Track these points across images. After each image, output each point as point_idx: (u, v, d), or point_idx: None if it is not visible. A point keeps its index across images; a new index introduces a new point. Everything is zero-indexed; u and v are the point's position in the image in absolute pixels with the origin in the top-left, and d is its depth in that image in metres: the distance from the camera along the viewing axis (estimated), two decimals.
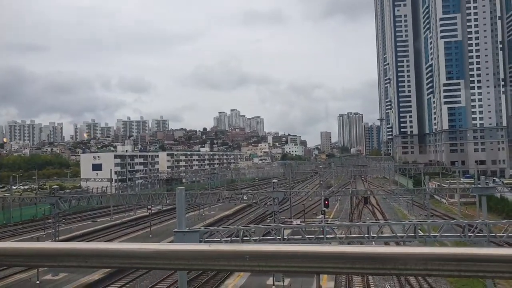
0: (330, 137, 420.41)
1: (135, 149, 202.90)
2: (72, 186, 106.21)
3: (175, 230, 19.39)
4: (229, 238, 19.58)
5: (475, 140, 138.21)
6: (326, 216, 57.87)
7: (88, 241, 45.08)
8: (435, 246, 1.25)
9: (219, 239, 19.67)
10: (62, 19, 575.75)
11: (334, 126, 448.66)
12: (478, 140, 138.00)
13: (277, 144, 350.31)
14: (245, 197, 46.11)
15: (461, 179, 78.45)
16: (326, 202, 47.70)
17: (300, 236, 19.89)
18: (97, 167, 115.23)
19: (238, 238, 19.40)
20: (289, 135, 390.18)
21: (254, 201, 44.35)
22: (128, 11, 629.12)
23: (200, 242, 19.59)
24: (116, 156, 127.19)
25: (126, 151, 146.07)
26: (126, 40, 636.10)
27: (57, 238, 37.85)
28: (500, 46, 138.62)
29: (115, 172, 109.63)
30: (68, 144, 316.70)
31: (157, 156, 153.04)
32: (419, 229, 23.44)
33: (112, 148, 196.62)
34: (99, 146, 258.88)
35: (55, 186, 44.55)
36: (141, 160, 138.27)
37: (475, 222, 21.51)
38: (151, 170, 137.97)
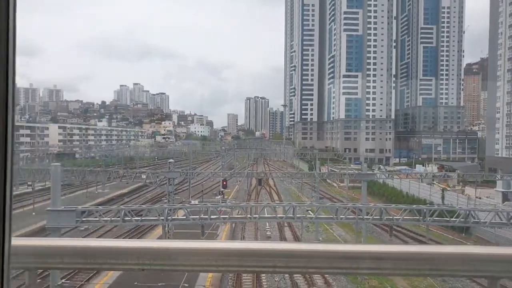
0: (237, 120, 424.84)
1: (22, 119, 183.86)
2: None
3: (48, 209, 17.26)
4: (109, 219, 17.99)
5: (367, 130, 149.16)
6: (226, 197, 57.87)
7: None
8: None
9: (97, 219, 17.89)
10: None
11: (241, 109, 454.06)
12: (370, 130, 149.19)
13: (182, 123, 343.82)
14: (143, 176, 43.75)
15: (351, 165, 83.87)
16: (224, 183, 47.57)
17: (184, 217, 19.23)
18: None
19: (119, 219, 17.92)
20: (195, 114, 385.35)
21: (149, 181, 42.10)
22: None
23: (77, 222, 17.71)
24: None
25: None
26: None
27: None
28: (394, 44, 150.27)
29: None
30: None
31: (47, 128, 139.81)
32: (309, 210, 24.10)
33: None
34: None
35: None
36: (28, 131, 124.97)
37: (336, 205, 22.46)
38: (40, 143, 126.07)
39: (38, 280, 1.30)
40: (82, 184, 58.01)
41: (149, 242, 1.28)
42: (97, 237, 37.94)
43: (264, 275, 23.50)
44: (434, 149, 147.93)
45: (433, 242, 36.79)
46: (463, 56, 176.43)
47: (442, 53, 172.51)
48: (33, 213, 42.98)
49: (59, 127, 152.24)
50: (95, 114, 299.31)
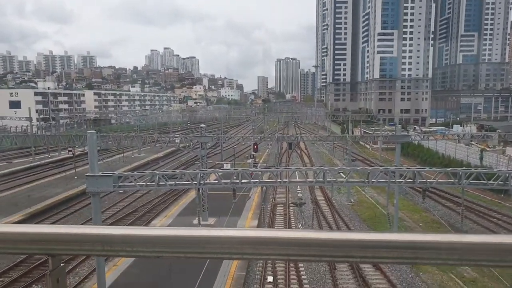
0: (267, 82, 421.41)
1: (59, 86, 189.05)
2: None
3: (87, 174, 18.01)
4: (144, 183, 18.61)
5: (402, 90, 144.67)
6: (257, 160, 58.43)
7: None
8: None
9: (133, 184, 18.54)
10: None
11: (272, 71, 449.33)
12: (405, 90, 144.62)
13: (212, 87, 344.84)
14: (177, 140, 44.50)
15: (385, 126, 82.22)
16: (255, 147, 47.76)
17: (216, 181, 19.60)
18: (15, 105, 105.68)
19: (154, 183, 18.53)
20: (225, 78, 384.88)
21: (182, 145, 42.82)
22: None
23: (114, 186, 18.42)
24: (36, 93, 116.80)
25: (48, 88, 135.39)
26: None
27: None
28: None
29: (36, 111, 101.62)
30: None
31: (83, 95, 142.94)
32: (341, 173, 24.00)
33: (33, 85, 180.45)
34: (17, 82, 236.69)
35: None
36: (66, 98, 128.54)
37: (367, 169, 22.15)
38: (77, 110, 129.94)
39: (61, 265, 1.38)
40: (119, 149, 59.90)
41: (165, 230, 1.29)
42: (136, 199, 39.51)
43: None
44: (474, 108, 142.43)
45: (468, 203, 36.07)
46: (511, 9, 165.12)
47: (487, 6, 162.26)
48: (75, 177, 45.01)
49: (95, 93, 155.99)
50: (128, 80, 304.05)
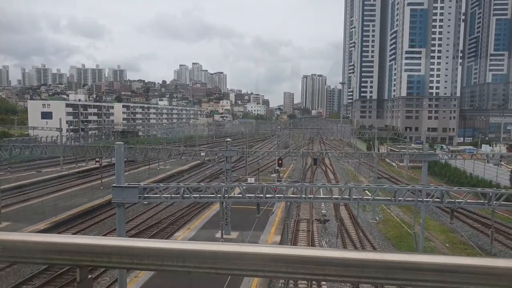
0: (293, 98, 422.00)
1: (90, 98, 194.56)
2: (19, 134, 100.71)
3: (113, 185, 18.37)
4: (169, 195, 18.88)
5: (430, 108, 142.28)
6: (281, 175, 58.31)
7: (21, 195, 42.93)
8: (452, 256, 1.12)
9: (158, 196, 18.83)
10: None
11: (298, 87, 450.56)
12: (433, 108, 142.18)
13: (239, 102, 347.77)
14: (202, 154, 44.94)
15: (412, 144, 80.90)
16: (280, 161, 47.84)
17: (241, 195, 19.66)
18: (46, 115, 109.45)
19: (178, 195, 18.75)
20: (252, 93, 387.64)
21: (207, 158, 43.24)
22: None
23: (139, 198, 18.70)
24: (68, 105, 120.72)
25: (79, 100, 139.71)
26: None
27: None
28: (463, 17, 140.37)
29: (67, 122, 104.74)
30: (15, 89, 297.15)
31: (112, 107, 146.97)
32: (366, 190, 23.69)
33: (64, 96, 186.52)
34: (50, 93, 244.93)
35: None
36: (95, 110, 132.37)
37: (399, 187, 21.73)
38: (106, 122, 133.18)
39: (89, 276, 1.36)
40: (145, 161, 60.92)
41: (197, 245, 1.27)
42: (159, 211, 39.95)
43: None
44: (504, 128, 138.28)
45: (497, 224, 34.89)
46: None
47: None
48: (101, 187, 45.97)
49: (123, 106, 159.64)
50: (156, 93, 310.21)
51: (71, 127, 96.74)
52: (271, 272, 1.21)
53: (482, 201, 21.51)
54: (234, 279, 20.36)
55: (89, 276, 1.37)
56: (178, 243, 1.28)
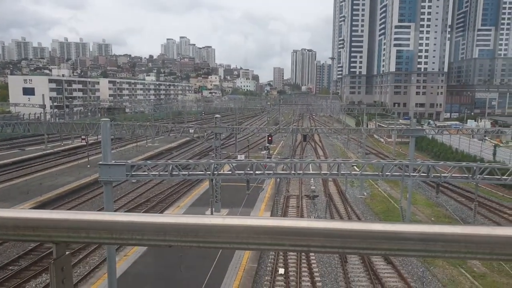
0: (283, 73, 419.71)
1: (74, 74, 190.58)
2: (0, 111, 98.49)
3: (100, 163, 18.14)
4: (157, 173, 18.78)
5: (418, 83, 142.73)
6: (271, 152, 58.46)
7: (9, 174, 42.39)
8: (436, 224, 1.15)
9: (146, 173, 18.71)
10: None
11: (288, 62, 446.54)
12: (421, 84, 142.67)
13: (228, 77, 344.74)
14: (191, 130, 44.65)
15: (400, 120, 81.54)
16: (270, 138, 47.80)
17: (230, 172, 19.65)
18: (28, 91, 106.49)
19: (167, 173, 18.66)
20: (241, 68, 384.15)
21: (196, 135, 43.02)
22: None
23: (127, 176, 18.57)
24: (51, 81, 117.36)
25: (63, 75, 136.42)
26: None
27: None
28: None
29: (50, 98, 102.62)
30: None
31: (98, 83, 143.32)
32: (354, 165, 23.96)
33: (47, 72, 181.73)
34: (31, 68, 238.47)
35: None
36: (80, 86, 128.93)
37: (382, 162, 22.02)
38: (91, 98, 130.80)
39: (66, 253, 1.32)
40: (132, 138, 60.42)
41: (178, 218, 1.23)
42: (148, 189, 39.92)
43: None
44: (489, 103, 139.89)
45: (481, 198, 35.69)
46: None
47: (505, 0, 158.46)
48: (88, 166, 45.60)
49: (109, 82, 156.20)
50: (143, 69, 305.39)
51: (55, 103, 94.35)
52: (254, 245, 1.20)
53: (467, 175, 21.92)
54: (224, 252, 20.58)
55: (66, 252, 1.32)
56: (159, 216, 1.25)
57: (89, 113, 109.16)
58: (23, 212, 1.33)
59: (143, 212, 24.13)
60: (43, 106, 65.91)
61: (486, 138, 55.55)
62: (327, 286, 21.37)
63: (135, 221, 1.25)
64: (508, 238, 1.09)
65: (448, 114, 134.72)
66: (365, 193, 40.63)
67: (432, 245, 1.11)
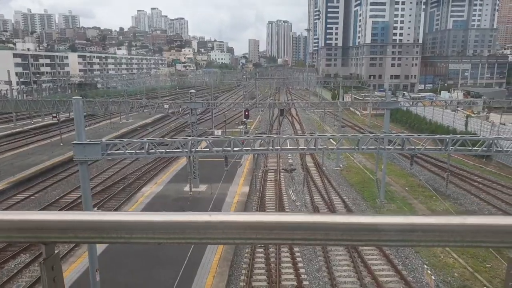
0: (259, 46, 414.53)
1: (40, 48, 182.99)
2: None
3: (74, 142, 17.61)
4: (133, 151, 18.40)
5: (393, 55, 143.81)
6: (248, 127, 58.29)
7: None
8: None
9: (123, 152, 18.32)
10: None
11: (263, 34, 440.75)
12: (396, 56, 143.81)
13: (202, 50, 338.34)
14: (166, 106, 43.92)
15: (375, 92, 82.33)
16: (247, 113, 47.45)
17: (208, 149, 19.51)
18: None
19: (143, 151, 18.33)
20: (215, 40, 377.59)
21: (171, 111, 42.38)
22: None
23: (103, 155, 18.18)
24: (15, 55, 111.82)
25: (28, 49, 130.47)
26: None
27: None
28: None
29: (16, 74, 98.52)
30: None
31: (67, 57, 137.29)
32: (331, 139, 24.16)
33: (11, 45, 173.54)
34: None
35: None
36: (48, 61, 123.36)
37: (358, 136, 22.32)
38: (60, 73, 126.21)
39: (56, 252, 1.32)
40: (106, 115, 59.09)
41: (166, 216, 1.25)
42: (124, 166, 39.38)
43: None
44: (461, 74, 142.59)
45: (452, 167, 36.79)
46: None
47: None
48: (61, 144, 44.48)
49: (79, 56, 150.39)
50: (113, 42, 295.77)
51: (21, 79, 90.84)
52: (240, 240, 1.24)
53: (440, 147, 22.42)
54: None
55: (56, 251, 1.32)
56: (147, 215, 1.27)
57: (58, 89, 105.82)
58: (11, 214, 1.33)
59: (120, 190, 23.58)
60: (9, 83, 63.46)
61: (459, 109, 56.88)
62: (305, 256, 21.72)
63: (123, 220, 1.27)
64: (478, 226, 1.15)
65: (423, 85, 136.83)
66: (341, 165, 41.24)
67: (408, 235, 1.17)
